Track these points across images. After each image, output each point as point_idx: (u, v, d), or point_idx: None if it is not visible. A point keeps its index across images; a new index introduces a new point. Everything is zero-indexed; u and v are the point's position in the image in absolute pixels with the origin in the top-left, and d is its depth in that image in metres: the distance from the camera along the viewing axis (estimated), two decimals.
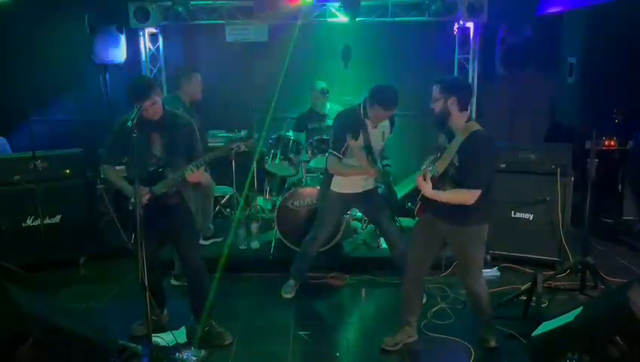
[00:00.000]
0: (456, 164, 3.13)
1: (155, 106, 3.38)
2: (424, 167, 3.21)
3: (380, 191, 4.23)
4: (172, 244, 3.72)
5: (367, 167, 3.97)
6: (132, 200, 3.36)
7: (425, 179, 3.09)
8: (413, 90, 6.28)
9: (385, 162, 4.26)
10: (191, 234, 3.70)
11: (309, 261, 4.43)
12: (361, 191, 4.17)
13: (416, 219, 3.45)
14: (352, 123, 4.01)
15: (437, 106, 3.23)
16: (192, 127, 3.60)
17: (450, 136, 3.25)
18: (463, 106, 3.19)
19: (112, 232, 5.18)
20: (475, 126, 3.20)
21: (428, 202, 3.22)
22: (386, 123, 4.13)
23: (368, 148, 4.01)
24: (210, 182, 5.00)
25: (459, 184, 3.14)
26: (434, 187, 3.11)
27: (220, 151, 3.58)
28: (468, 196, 3.10)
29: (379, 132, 4.10)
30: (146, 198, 3.38)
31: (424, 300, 3.95)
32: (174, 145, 3.50)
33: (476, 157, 3.10)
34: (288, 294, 4.40)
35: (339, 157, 4.02)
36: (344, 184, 4.14)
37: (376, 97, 3.89)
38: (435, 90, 3.24)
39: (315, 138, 4.94)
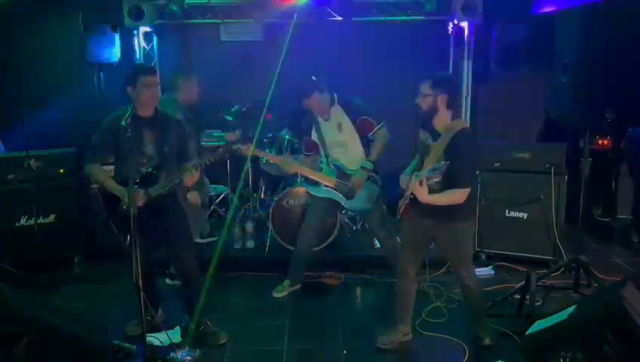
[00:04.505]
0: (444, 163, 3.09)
1: (155, 93, 3.38)
2: (425, 173, 3.06)
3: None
4: (165, 245, 3.71)
5: (278, 161, 4.32)
6: (125, 200, 3.35)
7: (421, 185, 3.03)
8: (407, 90, 6.29)
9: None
10: (184, 235, 3.68)
11: (304, 259, 4.43)
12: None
13: (399, 218, 3.44)
14: (306, 120, 4.28)
15: (425, 103, 3.16)
16: (184, 128, 3.59)
17: (435, 134, 3.22)
18: (452, 105, 3.16)
19: (107, 232, 5.19)
20: (461, 124, 3.19)
21: (414, 202, 3.20)
22: (340, 113, 4.13)
23: (322, 142, 4.19)
24: (197, 201, 4.76)
25: (446, 183, 3.10)
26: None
27: (219, 153, 3.53)
28: (460, 195, 3.09)
29: (332, 123, 4.13)
30: (142, 201, 3.36)
31: None
32: (166, 145, 3.48)
33: (465, 156, 3.08)
34: (279, 293, 4.40)
35: (304, 155, 4.36)
36: None
37: None
38: (425, 85, 3.15)
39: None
